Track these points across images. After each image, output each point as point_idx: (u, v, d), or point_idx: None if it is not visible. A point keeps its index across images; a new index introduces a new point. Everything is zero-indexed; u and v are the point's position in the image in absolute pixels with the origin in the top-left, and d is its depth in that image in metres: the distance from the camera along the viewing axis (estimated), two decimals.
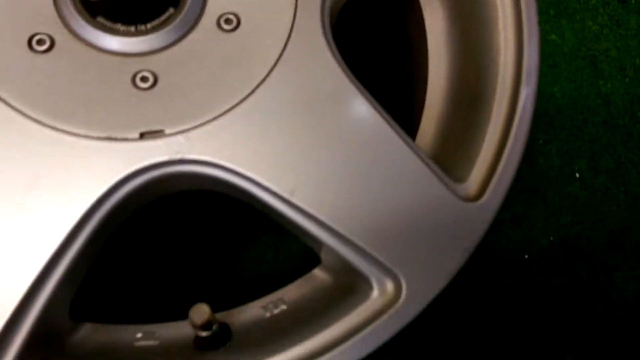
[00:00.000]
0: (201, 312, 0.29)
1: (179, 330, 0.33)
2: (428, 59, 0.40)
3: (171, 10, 0.32)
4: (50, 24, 0.31)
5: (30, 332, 0.28)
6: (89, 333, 0.32)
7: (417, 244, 0.31)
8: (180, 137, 0.30)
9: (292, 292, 0.35)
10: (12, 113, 0.28)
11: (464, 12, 0.39)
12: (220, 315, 0.33)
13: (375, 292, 0.31)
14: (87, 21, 0.31)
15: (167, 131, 0.30)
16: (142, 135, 0.30)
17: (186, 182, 0.30)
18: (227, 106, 0.30)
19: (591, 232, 0.55)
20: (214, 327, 0.31)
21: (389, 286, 0.31)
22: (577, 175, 0.58)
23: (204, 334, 0.31)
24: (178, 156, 0.30)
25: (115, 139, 0.29)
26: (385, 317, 0.30)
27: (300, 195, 0.30)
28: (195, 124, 0.30)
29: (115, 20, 0.32)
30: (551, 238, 0.56)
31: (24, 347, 0.27)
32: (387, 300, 0.31)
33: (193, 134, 0.30)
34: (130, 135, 0.29)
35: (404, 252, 0.30)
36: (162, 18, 0.32)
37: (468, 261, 0.32)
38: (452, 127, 0.36)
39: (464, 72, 0.39)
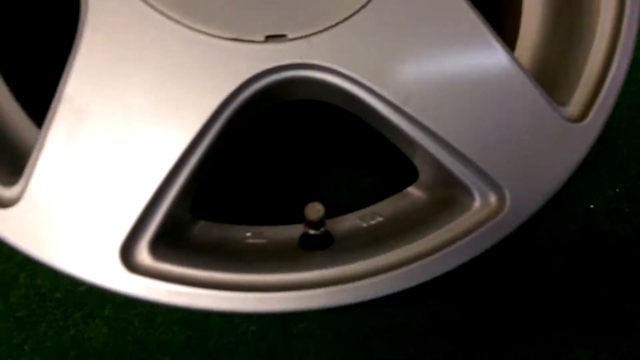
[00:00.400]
0: (317, 209, 0.31)
1: (285, 232, 0.35)
2: None
3: None
4: None
5: (162, 219, 0.30)
6: (203, 229, 0.34)
7: (523, 160, 0.32)
8: (302, 42, 0.31)
9: (386, 207, 0.37)
10: (151, 11, 0.30)
11: None
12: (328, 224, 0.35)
13: (477, 204, 0.32)
14: None
15: (290, 35, 0.31)
16: (267, 39, 0.31)
17: (303, 89, 0.32)
18: (348, 13, 0.32)
19: None
20: (322, 228, 0.33)
21: (492, 198, 0.32)
22: None
23: (313, 232, 0.33)
24: (299, 60, 0.31)
25: (242, 40, 0.31)
26: (487, 226, 0.31)
27: (413, 104, 0.31)
28: (316, 29, 0.31)
29: None
30: (617, 189, 0.56)
31: (157, 232, 0.30)
32: (489, 212, 0.32)
33: (314, 39, 0.31)
34: (256, 38, 0.31)
35: (510, 165, 0.32)
36: None
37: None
38: (551, 49, 0.37)
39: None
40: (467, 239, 0.31)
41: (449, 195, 0.34)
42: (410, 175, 0.38)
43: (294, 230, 0.36)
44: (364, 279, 0.31)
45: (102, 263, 0.28)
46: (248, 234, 0.35)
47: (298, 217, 0.37)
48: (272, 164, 0.47)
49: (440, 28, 0.31)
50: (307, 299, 0.30)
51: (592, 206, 0.56)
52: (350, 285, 0.31)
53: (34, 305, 0.49)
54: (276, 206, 0.45)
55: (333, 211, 0.39)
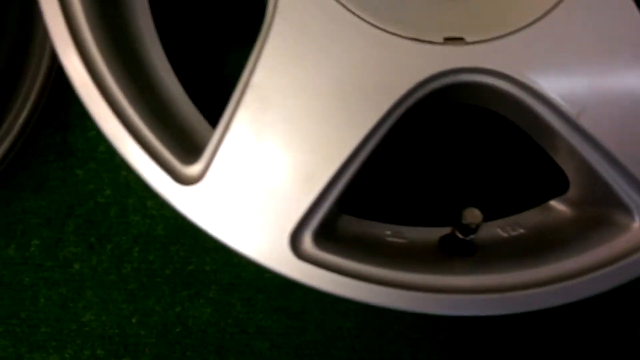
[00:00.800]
0: (475, 215, 0.31)
1: (423, 234, 0.35)
2: None
3: None
4: None
5: (327, 210, 0.30)
6: (346, 222, 0.35)
7: None
8: (479, 47, 0.31)
9: (528, 218, 0.37)
10: (339, 7, 0.31)
11: None
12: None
13: (637, 224, 0.32)
14: None
15: (468, 39, 0.31)
16: (445, 40, 0.31)
17: (474, 93, 0.32)
18: (527, 21, 0.32)
19: None
20: (472, 235, 0.33)
21: None
22: None
23: (461, 236, 0.33)
24: (474, 64, 0.31)
25: (421, 41, 0.31)
26: None
27: (586, 117, 0.31)
28: (494, 35, 0.31)
29: None
30: None
31: (321, 222, 0.30)
32: None
33: (492, 44, 0.31)
34: (435, 39, 0.31)
35: None
36: None
37: None
38: None
39: None
40: (628, 260, 0.31)
41: (601, 213, 0.34)
42: (552, 188, 0.38)
43: (433, 233, 0.36)
44: (519, 291, 0.31)
45: (273, 247, 0.29)
46: (387, 232, 0.36)
47: (435, 219, 0.37)
48: (413, 164, 0.47)
49: (621, 40, 0.31)
50: (460, 304, 0.31)
51: None
52: (504, 296, 0.31)
53: (145, 279, 0.50)
54: (413, 207, 0.45)
55: None
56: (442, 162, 0.48)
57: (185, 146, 0.32)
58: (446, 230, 0.35)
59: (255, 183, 0.30)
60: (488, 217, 0.38)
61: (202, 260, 0.51)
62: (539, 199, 0.38)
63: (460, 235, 0.33)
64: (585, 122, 0.31)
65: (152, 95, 0.33)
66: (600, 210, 0.34)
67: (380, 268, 0.31)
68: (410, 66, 0.30)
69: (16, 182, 0.51)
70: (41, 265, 0.50)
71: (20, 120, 0.50)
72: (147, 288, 0.50)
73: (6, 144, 0.50)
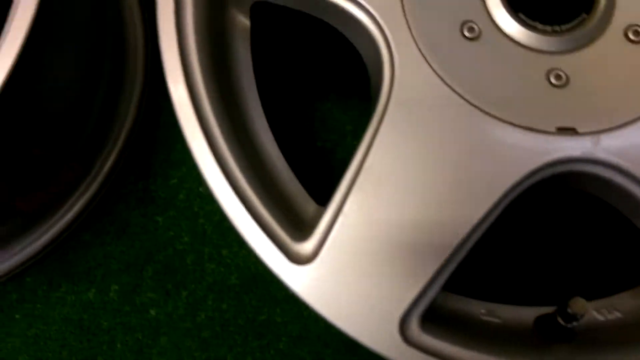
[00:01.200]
0: (581, 305, 0.31)
1: (517, 314, 0.36)
2: None
3: (584, 15, 0.34)
4: (478, 14, 0.33)
5: (435, 293, 0.31)
6: (442, 298, 0.35)
7: None
8: (590, 138, 0.32)
9: (623, 301, 0.36)
10: (452, 94, 0.32)
11: None
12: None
13: None
14: (511, 15, 0.34)
15: (580, 130, 0.32)
16: (558, 130, 0.32)
17: (586, 182, 0.32)
18: (636, 115, 0.32)
19: None
20: (575, 322, 0.33)
21: None
22: None
23: (563, 323, 0.33)
24: (586, 155, 0.31)
25: (535, 130, 0.31)
26: None
27: None
28: (606, 127, 0.32)
29: (534, 18, 0.34)
30: None
31: (428, 305, 0.31)
32: None
33: (604, 136, 0.32)
34: (548, 128, 0.32)
35: None
36: (575, 22, 0.34)
37: None
38: None
39: None
40: None
41: None
42: None
43: (527, 313, 0.36)
44: None
45: (382, 331, 0.30)
46: (482, 311, 0.36)
47: (528, 298, 0.37)
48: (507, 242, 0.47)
49: None
50: None
51: None
52: None
53: (218, 328, 0.51)
54: (508, 284, 0.45)
55: None
56: (537, 240, 0.47)
57: (292, 222, 0.33)
58: (540, 310, 0.35)
59: (367, 266, 0.31)
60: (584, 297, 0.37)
61: (274, 311, 0.52)
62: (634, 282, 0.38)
63: (562, 322, 0.33)
64: None
65: (260, 168, 0.34)
66: None
67: (484, 354, 0.31)
68: (523, 154, 0.31)
69: (99, 227, 0.53)
70: (119, 310, 0.51)
71: (106, 168, 0.52)
72: (220, 337, 0.51)
73: (92, 189, 0.51)
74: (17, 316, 0.52)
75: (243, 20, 0.39)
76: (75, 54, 0.46)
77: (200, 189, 0.53)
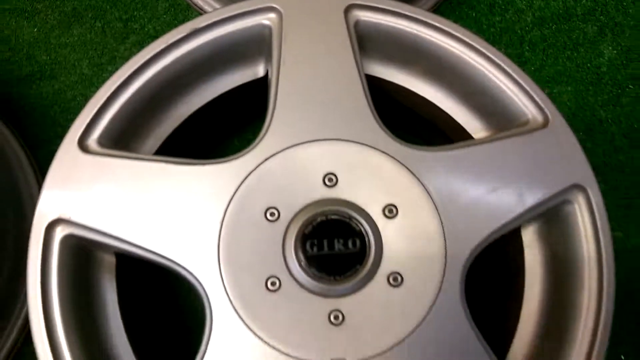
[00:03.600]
0: None
1: None
2: (523, 294, 0.53)
3: (357, 266, 0.46)
4: (280, 270, 0.45)
5: None
6: None
7: None
8: None
9: None
10: (252, 336, 0.43)
11: (560, 262, 0.52)
12: None
13: None
14: (304, 270, 0.45)
15: (348, 359, 0.43)
16: None
17: None
18: (391, 344, 0.44)
19: None
20: None
21: None
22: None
23: None
24: None
25: None
26: None
27: None
28: (369, 355, 0.43)
29: (321, 271, 0.46)
30: None
31: None
32: None
33: None
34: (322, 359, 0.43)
35: None
36: (351, 272, 0.46)
37: None
38: (542, 349, 0.49)
39: (551, 311, 0.51)
40: None
41: None
42: None
43: None
44: None
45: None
46: None
47: None
48: None
49: None
50: None
51: None
52: None
53: None
54: None
55: None
56: None
57: None
58: None
59: None
60: None
61: None
62: None
63: None
64: None
65: None
66: None
67: None
68: None
69: None
70: None
71: None
72: None
73: None
74: None
75: (108, 259, 0.50)
76: None
77: None
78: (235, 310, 0.44)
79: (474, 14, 0.78)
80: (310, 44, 0.52)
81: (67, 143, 0.47)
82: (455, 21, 0.80)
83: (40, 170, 0.67)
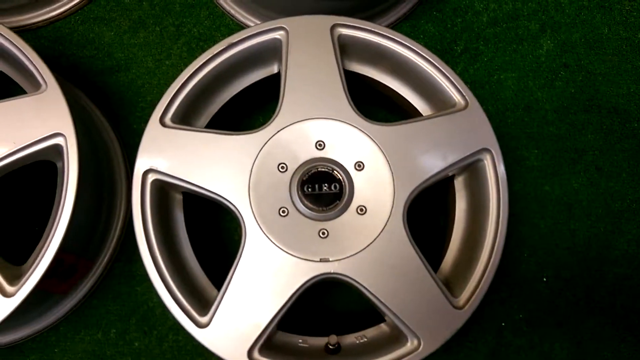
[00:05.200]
0: (333, 339, 0.69)
1: (318, 342, 0.73)
2: (454, 221, 0.78)
3: (337, 202, 0.72)
4: (287, 203, 0.71)
5: (271, 330, 0.68)
6: (278, 335, 0.73)
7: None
8: (337, 262, 0.69)
9: (370, 333, 0.74)
10: (271, 244, 0.69)
11: (475, 201, 0.76)
12: (338, 338, 0.73)
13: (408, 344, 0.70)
14: (303, 203, 0.71)
15: (331, 259, 0.70)
16: (320, 260, 0.69)
17: (339, 283, 0.70)
18: (358, 250, 0.70)
19: None
20: (336, 344, 0.70)
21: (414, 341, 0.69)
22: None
23: (331, 346, 0.71)
24: (334, 271, 0.69)
25: (310, 260, 0.69)
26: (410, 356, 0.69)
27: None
28: (343, 256, 0.69)
29: (313, 204, 0.71)
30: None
31: (267, 339, 0.68)
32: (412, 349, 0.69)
33: (342, 261, 0.69)
34: (315, 259, 0.70)
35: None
36: (333, 205, 0.72)
37: None
38: (458, 265, 0.74)
39: (470, 232, 0.76)
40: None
41: (397, 335, 0.71)
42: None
43: (321, 341, 0.74)
44: None
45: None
46: (300, 340, 0.73)
47: (325, 331, 0.75)
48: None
49: (403, 270, 0.69)
50: None
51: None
52: None
53: (176, 352, 0.88)
54: (311, 326, 0.83)
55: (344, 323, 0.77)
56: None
57: (200, 304, 0.70)
58: (325, 340, 0.73)
59: (240, 326, 0.68)
60: (349, 331, 0.75)
61: None
62: (377, 323, 0.76)
63: (331, 346, 0.71)
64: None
65: (183, 273, 0.71)
66: (397, 332, 0.71)
67: None
68: (306, 271, 0.69)
69: (102, 295, 0.89)
70: (116, 344, 0.88)
71: (105, 260, 0.88)
72: (177, 358, 0.88)
73: (97, 273, 0.88)
74: (55, 350, 0.87)
75: (177, 196, 0.76)
76: (89, 197, 0.82)
77: None
78: (260, 227, 0.71)
79: (440, 16, 1.01)
80: (307, 51, 0.76)
81: (152, 121, 0.73)
82: (427, 22, 1.03)
83: (121, 139, 0.93)
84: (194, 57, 0.95)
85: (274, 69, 0.81)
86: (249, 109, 0.96)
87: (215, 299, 0.70)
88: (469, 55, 0.99)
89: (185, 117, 0.77)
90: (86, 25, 0.98)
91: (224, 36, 0.98)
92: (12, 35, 0.73)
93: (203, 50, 0.96)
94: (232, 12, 0.99)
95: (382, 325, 0.75)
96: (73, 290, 0.86)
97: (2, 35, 0.73)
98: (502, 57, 0.99)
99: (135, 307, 0.89)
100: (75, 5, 0.97)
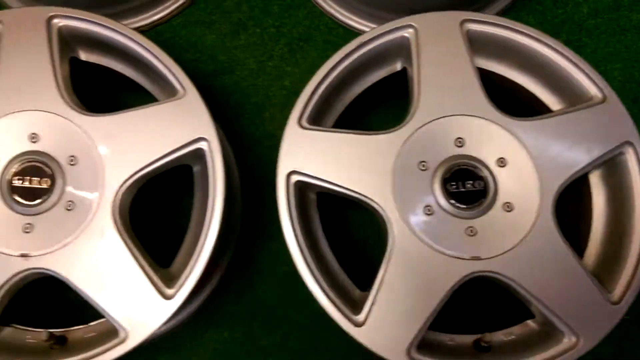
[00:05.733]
0: (488, 337, 0.69)
1: (464, 339, 0.73)
2: (592, 216, 0.77)
3: (482, 199, 0.72)
4: (432, 202, 0.70)
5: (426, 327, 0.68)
6: (427, 334, 0.72)
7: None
8: (488, 261, 0.69)
9: (516, 330, 0.74)
10: (420, 242, 0.69)
11: (616, 195, 0.76)
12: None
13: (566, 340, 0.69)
14: (448, 202, 0.71)
15: (482, 257, 0.69)
16: (472, 258, 0.69)
17: (490, 281, 0.69)
18: (507, 249, 0.70)
19: None
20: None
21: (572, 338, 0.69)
22: None
23: (484, 344, 0.70)
24: (485, 268, 0.69)
25: (462, 259, 0.69)
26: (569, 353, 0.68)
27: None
28: (493, 254, 0.69)
29: (458, 202, 0.71)
30: None
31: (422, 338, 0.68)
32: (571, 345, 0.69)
33: (492, 260, 0.69)
34: (464, 256, 0.69)
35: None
36: (478, 202, 0.71)
37: None
38: (604, 260, 0.74)
39: (614, 226, 0.76)
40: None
41: (550, 331, 0.71)
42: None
43: (468, 339, 0.74)
44: None
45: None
46: (447, 339, 0.73)
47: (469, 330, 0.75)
48: None
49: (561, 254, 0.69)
50: None
51: None
52: None
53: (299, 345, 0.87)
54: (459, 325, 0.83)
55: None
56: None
57: (350, 303, 0.70)
58: (475, 337, 0.73)
59: (392, 324, 0.67)
60: (491, 329, 0.74)
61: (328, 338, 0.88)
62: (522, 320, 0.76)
63: (482, 344, 0.70)
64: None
65: (329, 273, 0.71)
66: (550, 329, 0.71)
67: None
68: (460, 269, 0.69)
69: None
70: (243, 343, 0.88)
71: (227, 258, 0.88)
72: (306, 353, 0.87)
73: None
74: (184, 349, 0.87)
75: (312, 196, 0.76)
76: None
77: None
78: (408, 226, 0.70)
79: (541, 8, 1.00)
80: (438, 48, 0.75)
81: (291, 123, 0.73)
82: (527, 14, 1.03)
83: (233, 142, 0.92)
84: (295, 58, 0.97)
85: (397, 66, 0.80)
86: (366, 108, 0.95)
87: (364, 298, 0.70)
88: (572, 47, 0.97)
89: (317, 118, 0.77)
90: (188, 29, 0.98)
91: (324, 36, 0.98)
92: (148, 42, 0.73)
93: (304, 51, 0.97)
94: (332, 11, 0.98)
95: (529, 322, 0.74)
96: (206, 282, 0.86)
97: (137, 42, 0.73)
98: (605, 49, 0.99)
99: (258, 306, 0.89)
100: (176, 8, 0.97)
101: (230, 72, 0.96)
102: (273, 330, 0.89)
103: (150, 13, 0.96)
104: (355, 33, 0.98)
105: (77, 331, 0.75)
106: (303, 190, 0.75)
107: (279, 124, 0.96)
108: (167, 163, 0.71)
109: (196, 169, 0.77)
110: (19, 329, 0.74)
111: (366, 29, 0.98)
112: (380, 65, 0.81)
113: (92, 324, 0.75)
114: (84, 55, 0.77)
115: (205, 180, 0.73)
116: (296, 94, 0.96)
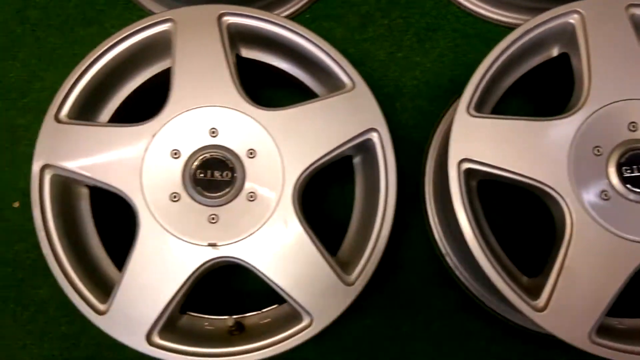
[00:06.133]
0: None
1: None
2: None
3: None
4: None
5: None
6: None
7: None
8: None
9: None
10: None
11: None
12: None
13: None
14: (623, 184, 0.70)
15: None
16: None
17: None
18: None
19: None
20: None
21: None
22: None
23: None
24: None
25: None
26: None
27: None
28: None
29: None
30: None
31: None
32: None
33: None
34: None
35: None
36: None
37: None
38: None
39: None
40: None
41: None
42: None
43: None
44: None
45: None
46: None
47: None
48: None
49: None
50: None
51: None
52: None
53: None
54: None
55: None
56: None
57: (522, 287, 0.70)
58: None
59: (571, 310, 0.67)
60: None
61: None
62: None
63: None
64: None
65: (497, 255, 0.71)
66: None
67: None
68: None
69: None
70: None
71: None
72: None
73: None
74: (326, 336, 0.89)
75: (473, 183, 0.76)
76: None
77: None
78: (587, 212, 0.70)
79: None
80: (607, 33, 0.74)
81: (460, 111, 0.73)
82: None
83: None
84: (424, 48, 0.97)
85: (554, 52, 0.79)
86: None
87: (535, 284, 0.71)
88: None
89: (481, 104, 0.77)
90: (317, 23, 0.98)
91: (452, 24, 0.98)
92: (318, 38, 0.74)
93: (433, 41, 0.97)
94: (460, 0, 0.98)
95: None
96: None
97: (306, 38, 0.75)
98: None
99: (398, 293, 0.90)
100: (305, 3, 0.98)
101: (361, 64, 0.96)
102: (414, 317, 0.90)
103: (280, 10, 0.97)
104: (485, 21, 0.98)
105: (252, 317, 0.77)
106: (467, 179, 0.75)
107: (410, 114, 0.96)
108: (338, 154, 0.72)
109: (357, 159, 0.78)
110: (195, 316, 0.77)
111: (495, 17, 0.97)
112: (537, 53, 0.80)
113: (265, 310, 0.77)
114: (244, 52, 0.79)
115: (370, 170, 0.75)
116: (427, 83, 0.98)
